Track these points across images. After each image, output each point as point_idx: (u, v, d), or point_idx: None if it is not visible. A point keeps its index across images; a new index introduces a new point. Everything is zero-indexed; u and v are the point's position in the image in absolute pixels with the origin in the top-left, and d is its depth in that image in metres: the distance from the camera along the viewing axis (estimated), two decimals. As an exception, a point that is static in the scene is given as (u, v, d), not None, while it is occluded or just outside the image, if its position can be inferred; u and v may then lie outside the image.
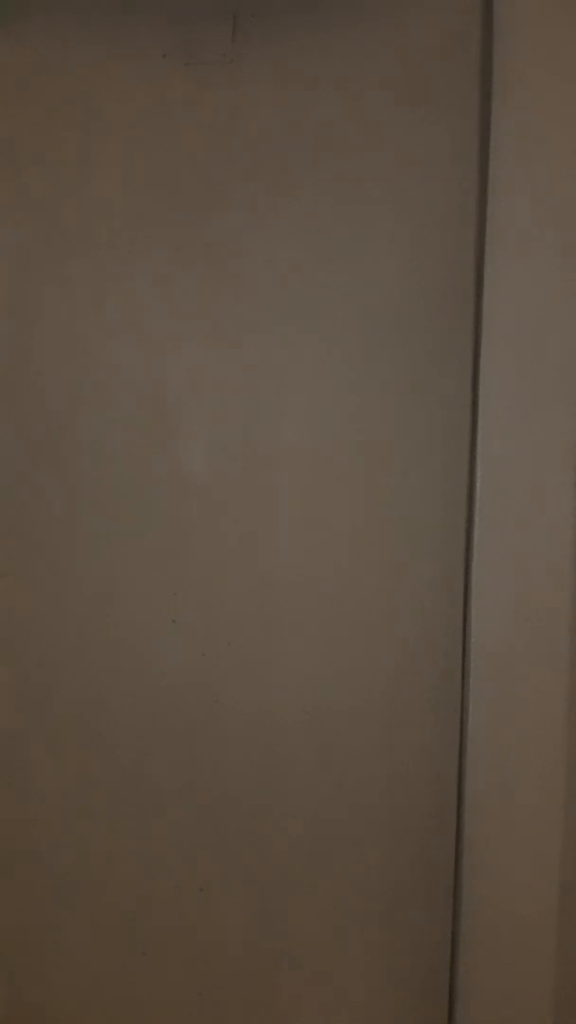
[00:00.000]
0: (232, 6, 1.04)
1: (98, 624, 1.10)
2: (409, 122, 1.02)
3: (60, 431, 1.08)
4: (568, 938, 0.99)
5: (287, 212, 1.04)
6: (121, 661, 1.09)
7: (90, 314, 1.08)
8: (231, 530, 1.07)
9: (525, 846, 0.99)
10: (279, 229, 1.05)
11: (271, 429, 1.06)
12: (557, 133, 0.95)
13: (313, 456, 1.06)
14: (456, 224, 1.01)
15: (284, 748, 1.08)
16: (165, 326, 1.07)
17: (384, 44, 1.02)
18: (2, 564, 1.11)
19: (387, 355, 1.04)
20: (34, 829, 1.12)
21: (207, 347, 1.07)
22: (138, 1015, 1.12)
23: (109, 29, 1.05)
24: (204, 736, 1.09)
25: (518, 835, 0.99)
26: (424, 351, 1.03)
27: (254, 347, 1.06)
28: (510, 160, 0.96)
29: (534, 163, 0.95)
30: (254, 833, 1.09)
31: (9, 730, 1.11)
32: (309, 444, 1.06)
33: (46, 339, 1.08)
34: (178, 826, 1.10)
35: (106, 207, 1.07)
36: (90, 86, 1.06)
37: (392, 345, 1.04)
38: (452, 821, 1.03)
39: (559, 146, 0.95)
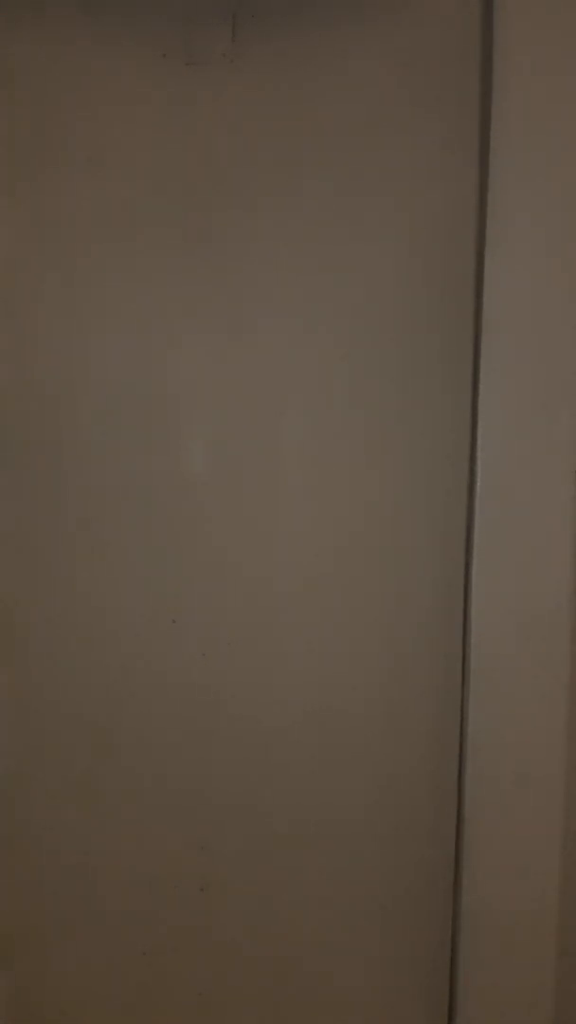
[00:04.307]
0: (232, 6, 1.04)
1: (98, 624, 1.09)
2: (409, 122, 1.02)
3: (59, 429, 1.08)
4: (568, 938, 0.99)
5: (287, 211, 1.04)
6: (121, 661, 1.09)
7: (89, 312, 1.07)
8: (231, 530, 1.07)
9: (525, 847, 0.99)
10: (279, 228, 1.05)
11: (271, 428, 1.06)
12: (557, 132, 0.95)
13: (313, 456, 1.06)
14: (456, 224, 1.01)
15: (284, 748, 1.08)
16: (164, 325, 1.07)
17: (384, 44, 1.02)
18: (1, 564, 1.10)
19: (387, 354, 1.04)
20: (34, 829, 1.12)
21: (207, 346, 1.07)
22: (138, 1015, 1.12)
23: (109, 29, 1.05)
24: (204, 736, 1.09)
25: (518, 836, 0.99)
26: (424, 350, 1.03)
27: (254, 346, 1.06)
28: (510, 159, 0.96)
29: (534, 162, 0.95)
30: (254, 833, 1.09)
31: (8, 729, 1.11)
32: (309, 443, 1.06)
33: (45, 337, 1.08)
34: (178, 826, 1.10)
35: (106, 206, 1.06)
36: (90, 86, 1.06)
37: (392, 344, 1.04)
38: (452, 822, 1.03)
39: (559, 145, 0.95)
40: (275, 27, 1.04)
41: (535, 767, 0.98)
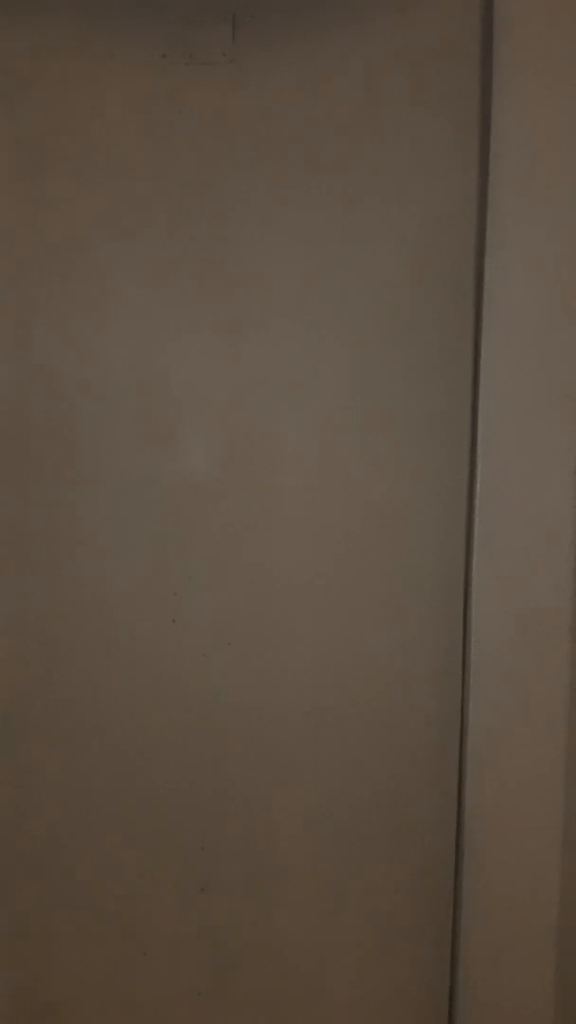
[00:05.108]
0: (232, 6, 1.04)
1: (98, 624, 1.09)
2: (409, 122, 1.02)
3: (60, 430, 1.08)
4: (568, 938, 0.99)
5: (287, 211, 1.04)
6: (121, 661, 1.09)
7: (91, 313, 1.07)
8: (231, 530, 1.07)
9: (525, 846, 0.99)
10: (279, 228, 1.05)
11: (271, 429, 1.06)
12: (557, 133, 0.95)
13: (313, 455, 1.06)
14: (456, 224, 1.01)
15: (284, 748, 1.08)
16: (165, 326, 1.07)
17: (384, 44, 1.02)
18: (2, 564, 1.11)
19: (387, 354, 1.04)
20: (34, 829, 1.12)
21: (208, 346, 1.07)
22: (138, 1015, 1.12)
23: (109, 29, 1.05)
24: (204, 736, 1.09)
25: (518, 835, 0.99)
26: (424, 351, 1.03)
27: (254, 346, 1.06)
28: (510, 160, 0.96)
29: (534, 162, 0.95)
30: (254, 833, 1.09)
31: (9, 730, 1.11)
32: (309, 443, 1.06)
33: (47, 338, 1.08)
34: (178, 826, 1.10)
35: (106, 206, 1.07)
36: (90, 86, 1.06)
37: (392, 344, 1.04)
38: (452, 821, 1.03)
39: (559, 146, 0.95)
40: (275, 27, 1.04)
41: (535, 766, 0.98)
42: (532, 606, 0.97)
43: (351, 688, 1.07)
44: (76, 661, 1.10)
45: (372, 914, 1.08)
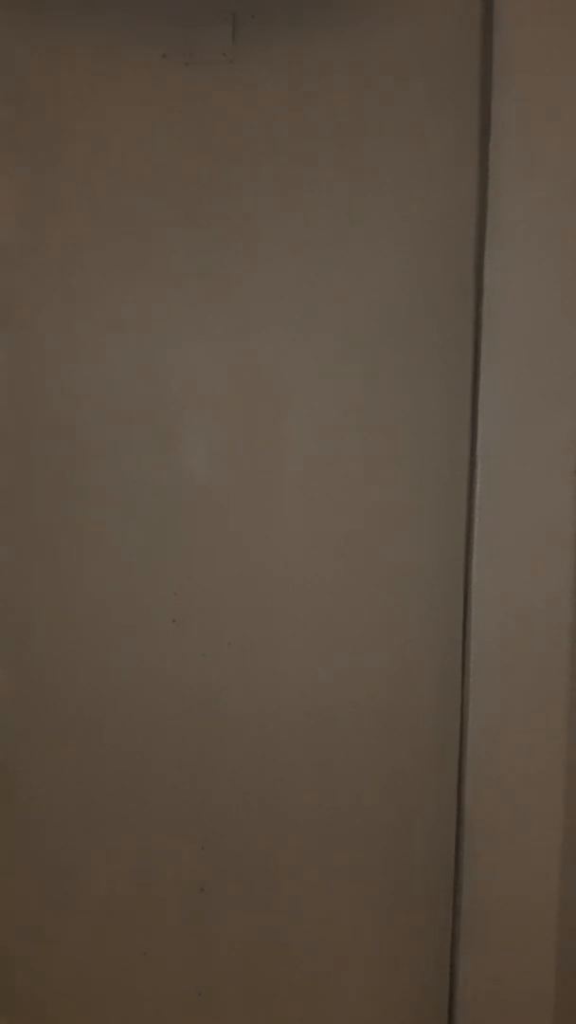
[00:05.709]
0: (232, 6, 1.04)
1: (99, 624, 1.10)
2: (409, 121, 1.02)
3: (62, 431, 1.08)
4: (568, 938, 1.00)
5: (287, 212, 1.04)
6: (121, 661, 1.09)
7: (91, 314, 1.08)
8: (231, 530, 1.07)
9: (525, 846, 0.99)
10: (279, 229, 1.05)
11: (272, 430, 1.06)
12: (557, 132, 0.95)
13: (313, 456, 1.06)
14: (456, 224, 1.01)
15: (284, 748, 1.08)
16: (165, 326, 1.07)
17: (384, 44, 1.02)
18: (3, 565, 1.11)
19: (387, 355, 1.04)
20: (34, 829, 1.12)
21: (208, 347, 1.07)
22: (138, 1015, 1.12)
23: (109, 29, 1.05)
24: (204, 736, 1.09)
25: (518, 835, 0.99)
26: (424, 351, 1.03)
27: (255, 347, 1.06)
28: (510, 160, 0.96)
29: (534, 162, 0.95)
30: (254, 833, 1.09)
31: (9, 730, 1.11)
32: (310, 444, 1.06)
33: (48, 340, 1.08)
34: (178, 826, 1.10)
35: (106, 207, 1.07)
36: (90, 86, 1.06)
37: (392, 344, 1.04)
38: (452, 821, 1.03)
39: (559, 145, 0.95)
40: (275, 28, 1.04)
41: (535, 766, 0.98)
42: (532, 606, 0.97)
43: (351, 688, 1.07)
44: (77, 660, 1.10)
45: (372, 913, 1.08)
